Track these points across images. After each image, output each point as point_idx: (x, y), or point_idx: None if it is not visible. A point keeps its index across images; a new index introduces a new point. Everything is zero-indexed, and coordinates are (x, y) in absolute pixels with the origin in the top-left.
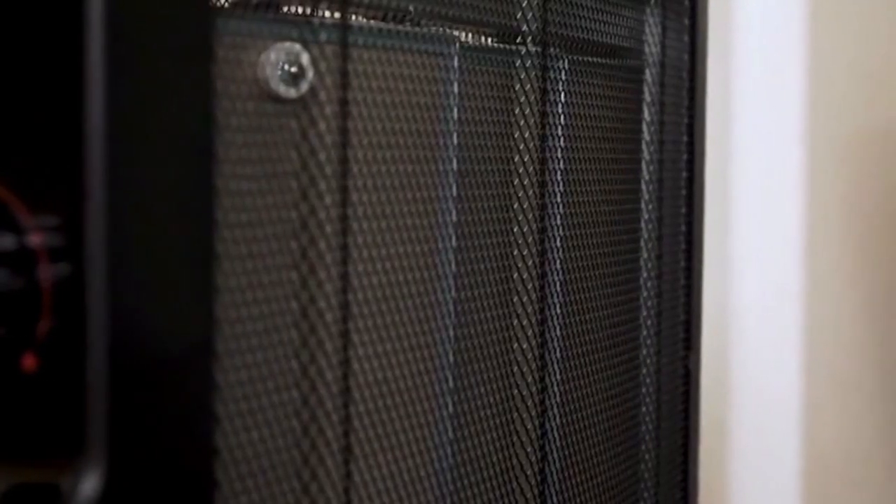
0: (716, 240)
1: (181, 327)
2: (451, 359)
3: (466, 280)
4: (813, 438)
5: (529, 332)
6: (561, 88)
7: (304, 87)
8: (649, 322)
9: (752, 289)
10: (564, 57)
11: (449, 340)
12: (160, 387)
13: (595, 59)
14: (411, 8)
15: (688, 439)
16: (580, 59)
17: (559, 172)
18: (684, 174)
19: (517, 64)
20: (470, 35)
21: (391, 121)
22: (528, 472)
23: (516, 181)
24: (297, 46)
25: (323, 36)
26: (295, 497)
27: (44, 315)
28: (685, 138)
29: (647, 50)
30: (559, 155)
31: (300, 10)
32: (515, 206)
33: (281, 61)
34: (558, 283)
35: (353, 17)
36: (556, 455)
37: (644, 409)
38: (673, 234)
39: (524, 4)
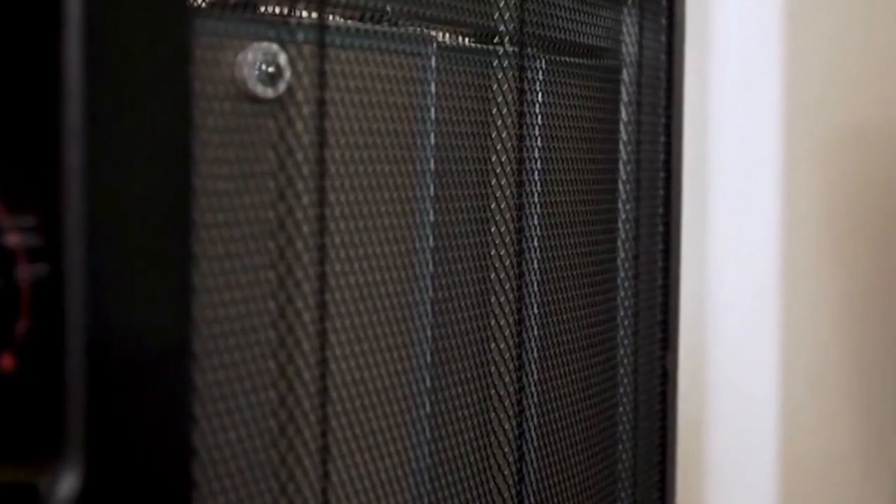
0: (693, 240)
1: (159, 327)
2: (429, 359)
3: (444, 280)
4: (790, 438)
5: (507, 333)
6: (538, 88)
7: (282, 87)
8: (627, 322)
9: (730, 288)
10: (541, 57)
11: (426, 340)
12: (138, 387)
13: (572, 60)
14: (388, 8)
15: (665, 439)
16: (557, 59)
17: (536, 172)
18: (661, 174)
19: (494, 64)
20: (447, 35)
21: (369, 121)
22: (506, 472)
23: (494, 181)
24: (275, 46)
25: (300, 36)
26: (273, 497)
27: (22, 315)
28: (662, 138)
29: (624, 50)
30: (536, 155)
31: (277, 10)
32: (493, 206)
33: (258, 61)
34: (536, 284)
35: (331, 18)
36: (533, 455)
37: (621, 408)
38: (650, 234)
39: (501, 5)
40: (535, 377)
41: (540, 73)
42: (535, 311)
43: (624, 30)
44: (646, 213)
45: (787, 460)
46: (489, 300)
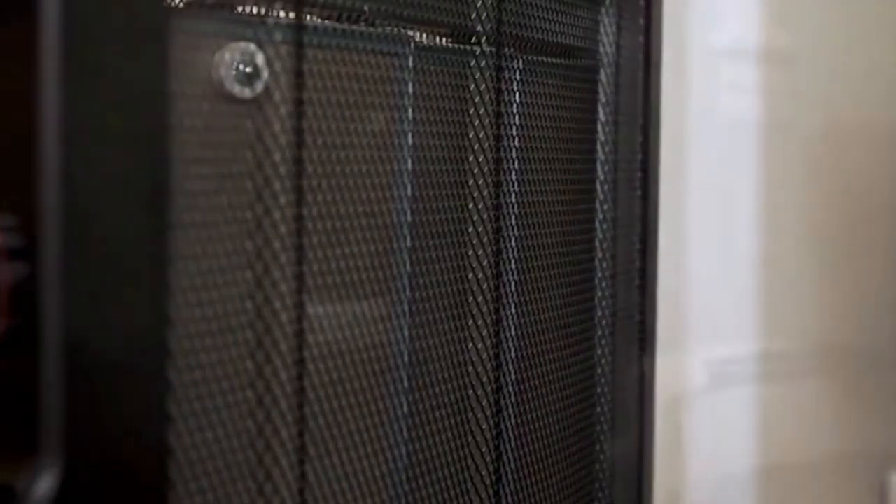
0: (671, 240)
1: (136, 327)
2: (406, 359)
3: (421, 280)
4: (770, 437)
5: (484, 332)
6: (516, 88)
7: (259, 87)
8: (604, 322)
9: (708, 288)
10: (519, 57)
11: (404, 340)
12: (115, 386)
13: (550, 60)
14: (366, 8)
15: (643, 438)
16: (535, 59)
17: (514, 172)
18: (639, 174)
19: (472, 64)
20: (425, 35)
21: (346, 121)
22: (483, 472)
23: (471, 181)
24: (252, 46)
25: (278, 36)
26: (250, 497)
27: (1, 314)
28: (639, 138)
29: (601, 50)
30: (514, 155)
31: (255, 10)
32: (470, 205)
33: (236, 61)
34: (513, 283)
35: (308, 18)
36: (510, 455)
37: (599, 408)
38: (627, 234)
39: (479, 5)
40: (513, 377)
41: (517, 73)
42: (513, 311)
43: (602, 30)
44: (623, 213)
45: (766, 459)
46: (467, 300)
